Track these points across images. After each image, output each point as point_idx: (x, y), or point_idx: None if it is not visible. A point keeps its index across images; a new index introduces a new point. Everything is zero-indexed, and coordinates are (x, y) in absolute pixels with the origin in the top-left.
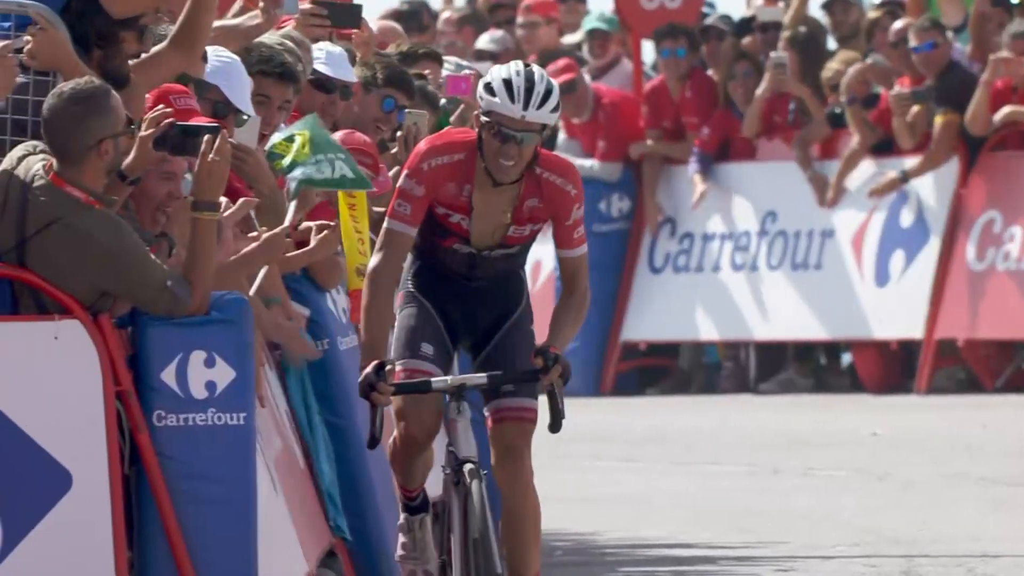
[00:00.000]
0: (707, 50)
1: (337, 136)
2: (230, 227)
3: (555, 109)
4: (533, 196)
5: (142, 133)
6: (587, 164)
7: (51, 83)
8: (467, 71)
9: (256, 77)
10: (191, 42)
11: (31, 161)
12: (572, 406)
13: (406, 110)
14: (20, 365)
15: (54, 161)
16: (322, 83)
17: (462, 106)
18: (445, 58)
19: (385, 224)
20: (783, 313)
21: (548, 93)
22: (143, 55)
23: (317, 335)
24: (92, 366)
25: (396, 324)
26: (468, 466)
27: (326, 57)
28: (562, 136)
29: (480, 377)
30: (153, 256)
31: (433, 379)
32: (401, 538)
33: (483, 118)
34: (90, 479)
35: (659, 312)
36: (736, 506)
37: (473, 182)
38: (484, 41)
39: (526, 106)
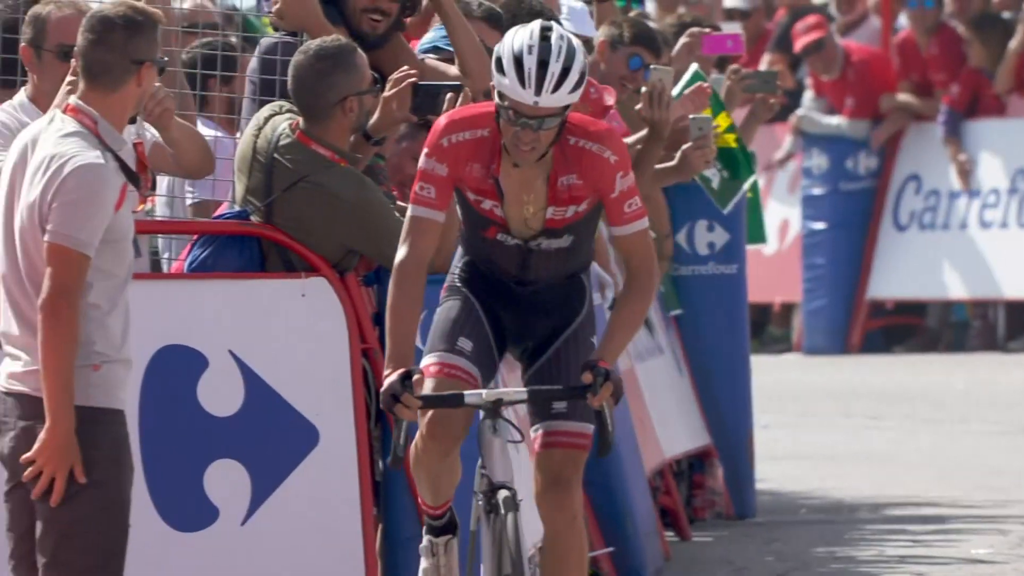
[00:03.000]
0: (956, 6)
1: None
2: None
3: (575, 88)
4: (568, 172)
5: (385, 93)
6: (834, 122)
7: (299, 44)
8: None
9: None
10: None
11: (277, 120)
12: (819, 364)
13: (652, 67)
14: (268, 322)
15: (300, 120)
16: None
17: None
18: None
19: (408, 211)
20: None
21: (565, 72)
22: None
23: None
24: (339, 323)
25: (435, 315)
26: (503, 493)
27: (568, 12)
28: (809, 94)
29: (519, 392)
30: (397, 214)
31: (467, 393)
32: (423, 563)
33: (497, 97)
34: (337, 435)
35: (905, 270)
36: (984, 465)
37: (499, 162)
38: None
39: (539, 91)
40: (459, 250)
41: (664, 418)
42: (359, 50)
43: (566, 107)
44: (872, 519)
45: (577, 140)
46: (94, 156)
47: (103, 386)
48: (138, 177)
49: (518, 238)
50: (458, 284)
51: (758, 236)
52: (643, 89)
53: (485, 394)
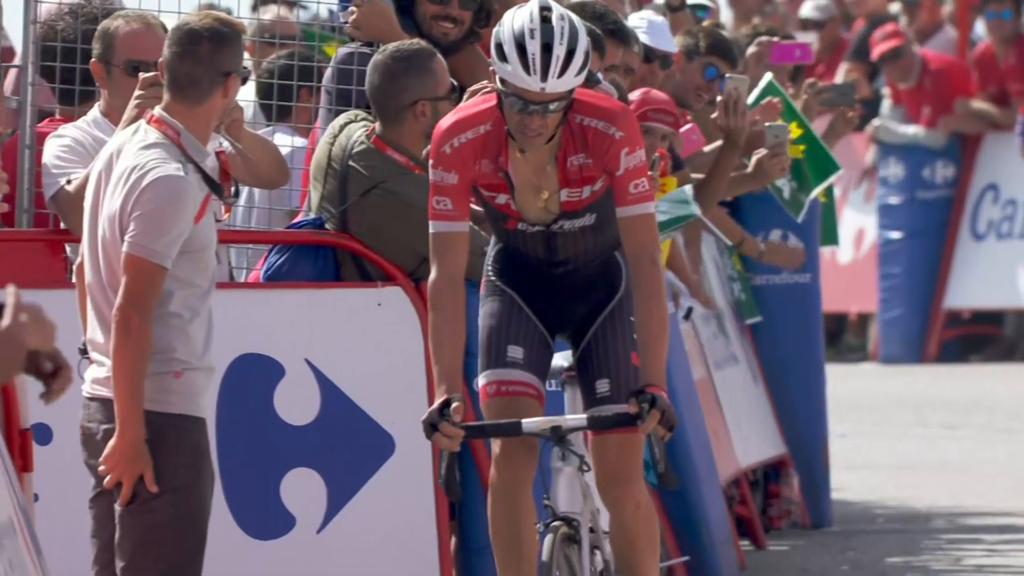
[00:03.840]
0: None
1: (635, 95)
2: None
3: (580, 70)
4: (576, 151)
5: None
6: (910, 131)
7: (374, 54)
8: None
9: None
10: None
11: (352, 128)
12: (896, 373)
13: (727, 76)
14: (344, 331)
15: (376, 125)
16: (643, 53)
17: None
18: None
19: (431, 229)
20: None
21: (570, 54)
22: None
23: None
24: (414, 332)
25: (479, 321)
26: (561, 527)
27: (647, 27)
28: (887, 103)
29: (579, 419)
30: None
31: (524, 421)
32: None
33: (499, 84)
34: (412, 444)
35: (982, 279)
36: None
37: (507, 153)
38: (808, 8)
39: (544, 76)
40: (492, 239)
41: (740, 427)
42: (438, 56)
43: (571, 91)
44: (948, 528)
45: (583, 118)
46: (174, 168)
47: (183, 393)
48: (221, 187)
49: (539, 224)
50: (493, 279)
51: (831, 238)
52: (718, 99)
53: (540, 421)
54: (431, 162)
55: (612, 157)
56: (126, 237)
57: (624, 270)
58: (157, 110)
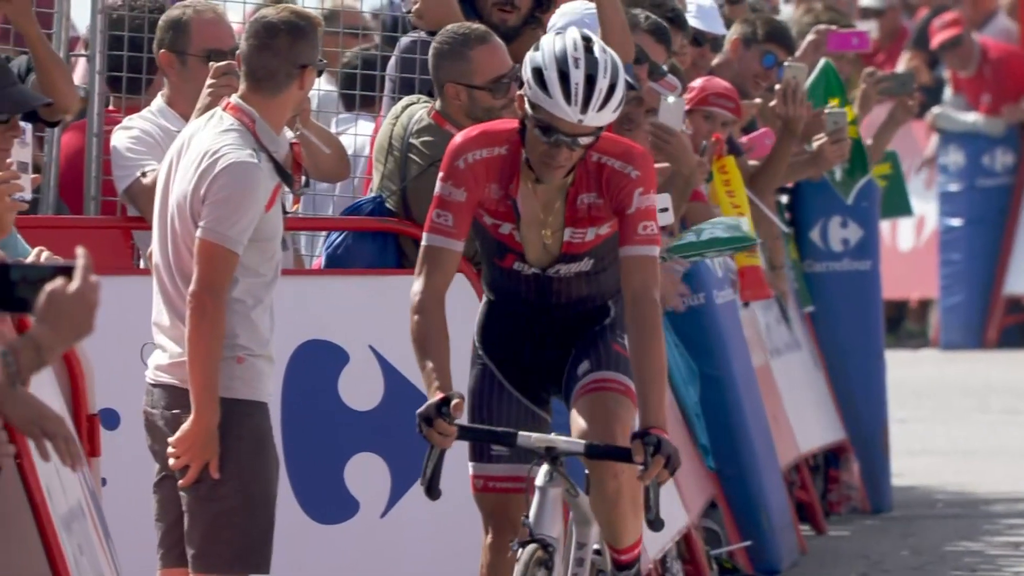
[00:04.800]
0: None
1: (697, 82)
2: None
3: (619, 106)
4: (588, 190)
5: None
6: (970, 119)
7: None
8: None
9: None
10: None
11: (414, 108)
12: (956, 359)
13: (785, 64)
14: (406, 317)
15: (436, 102)
16: (693, 36)
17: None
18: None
19: (424, 240)
20: None
21: (612, 88)
22: None
23: (693, 289)
24: (475, 317)
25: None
26: (536, 551)
27: (697, 11)
28: (948, 91)
29: (575, 444)
30: None
31: (520, 433)
32: None
33: (528, 109)
34: None
35: None
36: None
37: (518, 181)
38: None
39: (585, 108)
40: (483, 299)
41: (799, 413)
42: (483, 45)
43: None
44: (1008, 513)
45: (601, 156)
46: (247, 155)
47: (246, 379)
48: (291, 177)
49: (535, 266)
50: (480, 350)
51: (904, 208)
52: (776, 86)
53: (535, 438)
54: (441, 175)
55: (626, 196)
56: (200, 223)
57: (613, 310)
58: (234, 98)
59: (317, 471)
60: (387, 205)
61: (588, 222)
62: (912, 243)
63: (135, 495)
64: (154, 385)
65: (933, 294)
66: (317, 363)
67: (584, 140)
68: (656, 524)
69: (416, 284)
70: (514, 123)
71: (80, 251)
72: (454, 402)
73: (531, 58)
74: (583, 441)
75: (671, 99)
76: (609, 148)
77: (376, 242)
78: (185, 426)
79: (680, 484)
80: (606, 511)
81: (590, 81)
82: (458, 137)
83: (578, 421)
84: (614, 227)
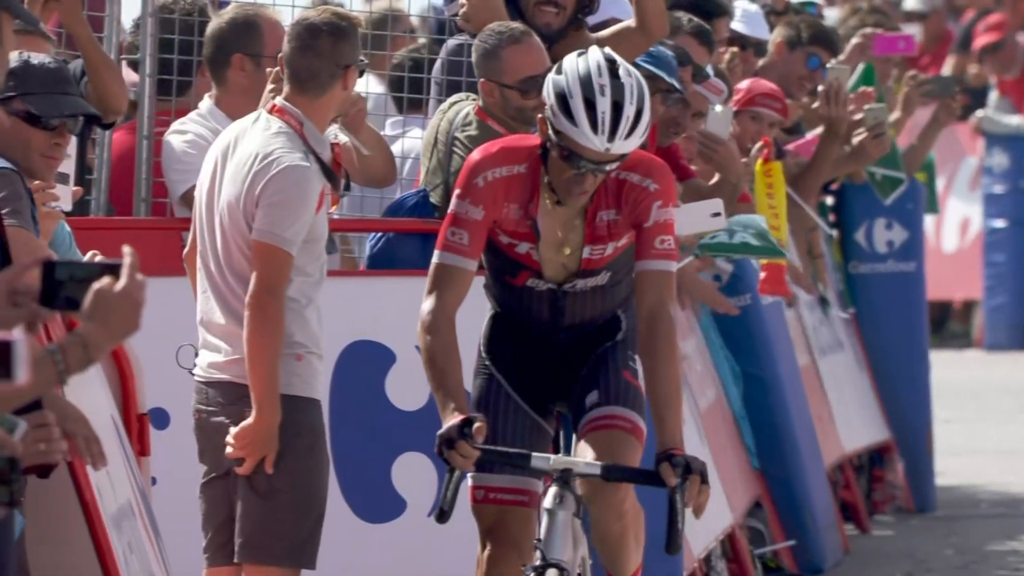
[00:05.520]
0: None
1: (743, 84)
2: None
3: (645, 131)
4: (607, 207)
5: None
6: (1014, 122)
7: None
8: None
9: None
10: (653, 28)
11: (462, 104)
12: (1000, 360)
13: (829, 66)
14: None
15: (479, 99)
16: (738, 40)
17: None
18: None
19: (435, 258)
20: None
21: (639, 114)
22: (610, 28)
23: (739, 290)
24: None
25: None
26: (551, 573)
27: (741, 15)
28: (994, 94)
29: (592, 466)
30: None
31: (534, 455)
32: None
33: (552, 135)
34: None
35: None
36: None
37: (538, 201)
38: (912, 0)
39: (612, 137)
40: (488, 311)
41: (844, 413)
42: (510, 42)
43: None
44: None
45: (620, 172)
46: (299, 157)
47: (304, 376)
48: (336, 178)
49: (551, 282)
50: (486, 361)
51: (932, 207)
52: (819, 88)
53: (553, 460)
54: (457, 192)
55: (644, 209)
56: (255, 225)
57: (624, 322)
58: (279, 100)
59: (364, 470)
60: (431, 199)
61: (607, 238)
62: (956, 244)
63: (185, 494)
64: (208, 384)
65: (977, 295)
66: (364, 363)
67: (610, 167)
68: (674, 548)
69: (427, 303)
70: (535, 140)
71: (126, 249)
72: (476, 425)
73: (554, 82)
74: (600, 464)
75: (718, 108)
76: (628, 162)
77: (418, 238)
78: (247, 422)
79: (725, 483)
80: (609, 551)
81: (616, 108)
82: (476, 153)
83: (586, 457)
84: (631, 238)
